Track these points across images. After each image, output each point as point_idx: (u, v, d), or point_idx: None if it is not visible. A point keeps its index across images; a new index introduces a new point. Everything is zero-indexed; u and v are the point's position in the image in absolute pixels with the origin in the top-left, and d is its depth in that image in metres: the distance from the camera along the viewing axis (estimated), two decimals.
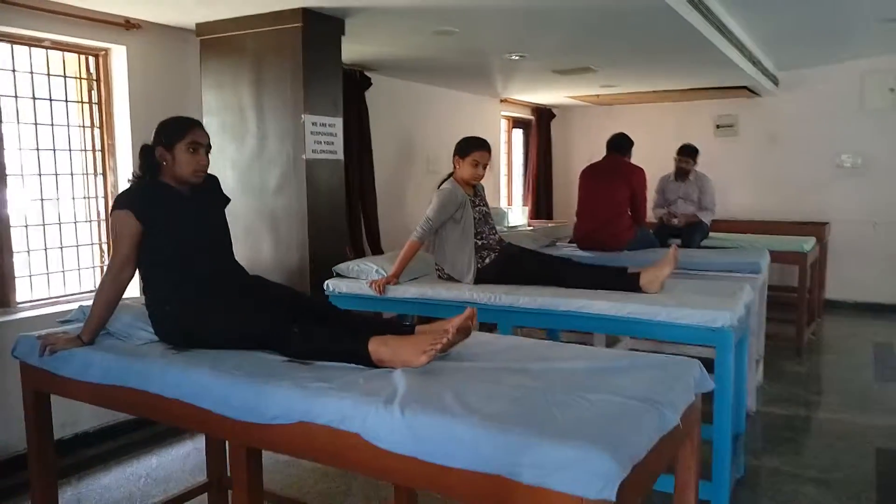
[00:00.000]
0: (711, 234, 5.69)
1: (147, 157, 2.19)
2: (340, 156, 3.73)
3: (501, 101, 7.41)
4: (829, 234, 6.53)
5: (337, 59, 3.71)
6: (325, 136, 3.61)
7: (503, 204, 7.83)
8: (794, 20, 5.01)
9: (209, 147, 2.26)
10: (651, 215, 5.97)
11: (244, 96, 3.68)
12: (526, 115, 8.07)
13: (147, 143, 2.20)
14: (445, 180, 3.40)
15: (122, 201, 2.12)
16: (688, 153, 5.68)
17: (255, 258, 3.70)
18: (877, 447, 3.54)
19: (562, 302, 2.88)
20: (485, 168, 3.35)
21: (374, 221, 5.35)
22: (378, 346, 1.82)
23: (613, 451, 1.27)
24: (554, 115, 8.31)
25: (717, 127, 7.52)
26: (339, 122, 3.71)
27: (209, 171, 2.28)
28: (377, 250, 5.29)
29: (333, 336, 1.89)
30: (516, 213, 7.37)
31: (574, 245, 4.85)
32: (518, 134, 8.26)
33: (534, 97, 7.52)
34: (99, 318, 2.12)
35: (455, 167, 3.39)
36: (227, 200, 2.42)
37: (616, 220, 4.57)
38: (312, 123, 3.52)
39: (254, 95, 3.65)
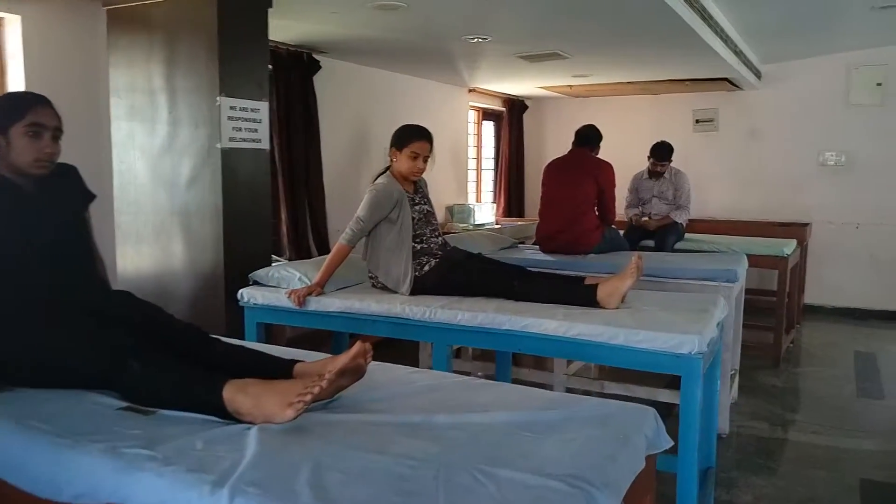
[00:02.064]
0: (688, 235, 5.32)
1: None
2: (265, 145, 3.29)
3: (470, 90, 6.98)
4: (811, 236, 6.20)
5: (262, 35, 3.25)
6: (247, 122, 3.16)
7: (471, 200, 7.41)
8: (784, 8, 4.64)
9: (58, 131, 1.81)
10: (623, 215, 5.61)
11: (155, 76, 3.22)
12: (497, 106, 7.64)
13: None
14: (381, 175, 2.97)
15: None
16: (661, 155, 5.27)
17: (166, 262, 3.25)
18: (860, 478, 3.17)
19: (506, 319, 2.46)
20: (426, 161, 2.93)
21: (321, 220, 4.90)
22: (234, 395, 1.40)
23: None
24: (527, 107, 7.89)
25: (697, 121, 7.14)
26: (264, 107, 3.26)
27: (71, 163, 1.85)
28: (325, 251, 4.84)
29: (182, 378, 1.46)
30: (485, 211, 6.97)
31: (537, 247, 4.44)
32: (489, 126, 7.83)
33: (504, 87, 7.10)
34: None
35: (391, 160, 2.97)
36: (90, 197, 1.97)
37: (581, 220, 4.15)
38: (230, 108, 3.07)
39: (165, 75, 3.19)
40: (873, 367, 4.95)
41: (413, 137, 2.88)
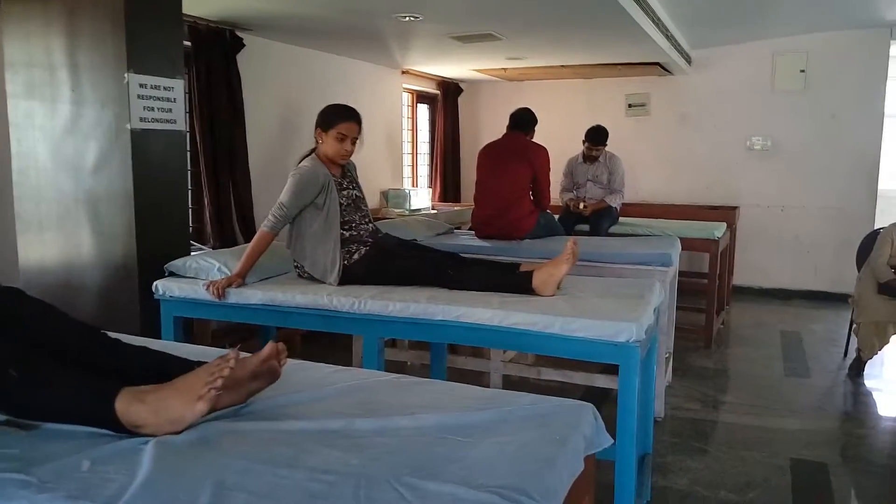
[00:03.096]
0: (622, 219, 5.34)
1: None
2: (181, 125, 3.06)
3: (403, 72, 6.80)
4: (739, 219, 6.33)
5: (175, 6, 3.01)
6: (159, 101, 2.93)
7: (407, 185, 7.26)
8: None
9: None
10: (558, 199, 5.58)
11: (55, 50, 2.94)
12: (431, 88, 7.49)
13: None
14: (306, 157, 2.80)
15: None
16: (597, 139, 5.26)
17: (73, 253, 3.00)
18: (790, 457, 3.22)
19: (439, 309, 2.35)
20: (354, 143, 2.77)
21: (247, 206, 4.66)
22: (129, 405, 1.23)
23: None
24: (461, 90, 7.77)
25: (629, 106, 7.18)
26: (178, 85, 3.03)
27: None
28: (252, 239, 4.61)
29: (69, 387, 1.28)
30: (421, 196, 6.83)
31: (473, 233, 4.35)
32: (423, 110, 7.68)
33: (438, 69, 6.95)
34: None
35: (317, 142, 2.80)
36: None
37: (516, 204, 4.08)
38: (140, 85, 2.83)
39: (66, 49, 2.91)
40: (798, 346, 5.09)
41: (340, 118, 2.72)
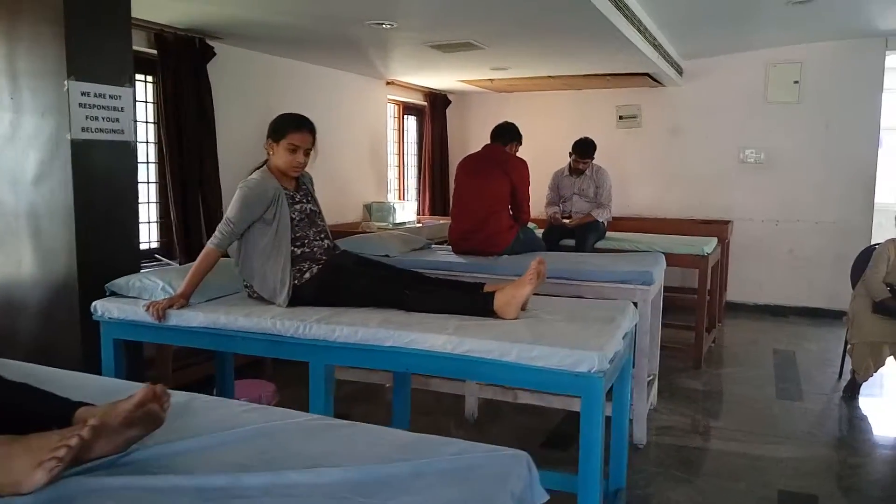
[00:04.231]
0: (610, 234, 5.17)
1: None
2: (130, 137, 2.89)
3: (388, 83, 6.65)
4: (732, 234, 6.15)
5: (123, 10, 2.85)
6: (105, 110, 2.76)
7: (393, 198, 7.09)
8: (701, 3, 4.50)
9: None
10: (543, 213, 5.41)
11: None
12: (419, 100, 7.34)
13: None
14: (256, 169, 2.63)
15: None
16: (584, 152, 5.11)
17: (13, 270, 2.83)
18: (778, 489, 3.02)
19: (389, 335, 2.16)
20: (307, 154, 2.60)
21: (217, 220, 4.44)
22: None
23: None
24: (449, 102, 7.62)
25: (620, 118, 7.03)
26: (127, 94, 2.86)
27: None
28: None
29: None
30: (408, 209, 6.66)
31: (450, 248, 4.17)
32: (411, 122, 7.52)
33: (424, 80, 6.80)
34: None
35: (268, 153, 2.63)
36: None
37: (494, 218, 3.90)
38: (82, 93, 2.67)
39: (5, 53, 2.75)
40: (792, 366, 4.89)
41: (291, 127, 2.55)
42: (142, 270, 2.84)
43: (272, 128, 2.59)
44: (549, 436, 3.61)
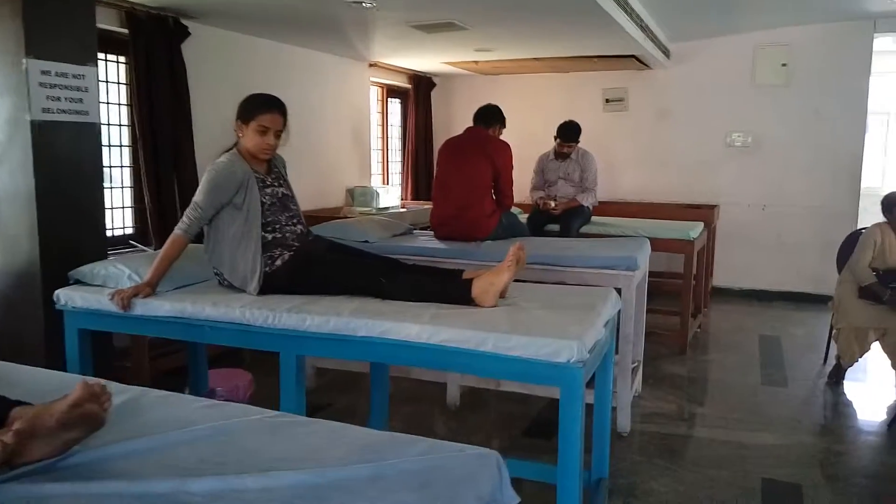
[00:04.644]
0: (596, 218, 5.10)
1: None
2: (95, 118, 2.78)
3: (371, 65, 6.51)
4: (718, 218, 6.10)
5: None
6: (67, 90, 2.64)
7: (376, 182, 6.98)
8: None
9: None
10: (528, 197, 5.33)
11: None
12: (402, 83, 7.20)
13: None
14: (226, 152, 2.53)
15: None
16: (568, 136, 5.02)
17: None
18: (762, 477, 2.98)
19: (361, 324, 2.08)
20: (278, 136, 2.50)
21: None
22: None
23: None
24: (434, 85, 7.49)
25: (607, 101, 6.94)
26: (91, 73, 2.75)
27: None
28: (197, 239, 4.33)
29: None
30: (392, 194, 6.56)
31: (432, 234, 4.08)
32: (395, 105, 7.39)
33: (407, 62, 6.67)
34: None
35: (238, 135, 2.52)
36: None
37: (476, 204, 3.81)
38: (42, 72, 2.55)
39: None
40: (778, 351, 4.86)
41: (260, 109, 2.45)
42: (113, 257, 2.73)
43: (241, 109, 2.49)
44: (532, 424, 3.55)
